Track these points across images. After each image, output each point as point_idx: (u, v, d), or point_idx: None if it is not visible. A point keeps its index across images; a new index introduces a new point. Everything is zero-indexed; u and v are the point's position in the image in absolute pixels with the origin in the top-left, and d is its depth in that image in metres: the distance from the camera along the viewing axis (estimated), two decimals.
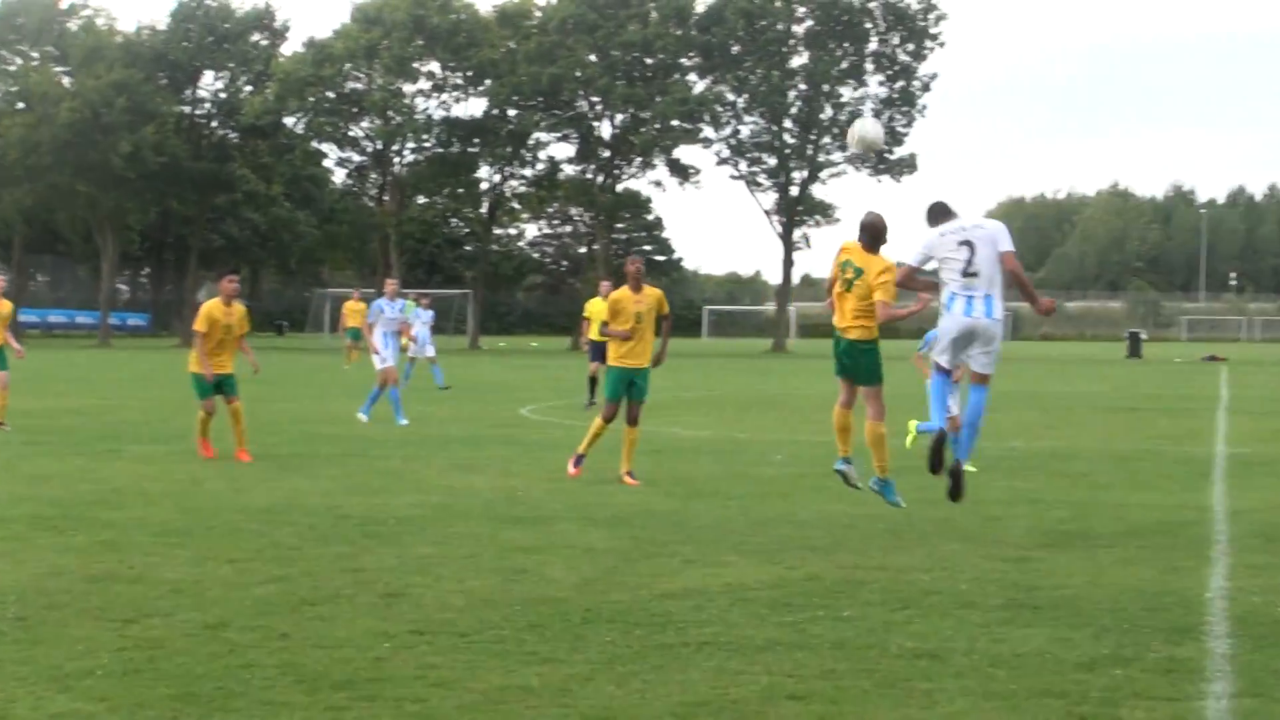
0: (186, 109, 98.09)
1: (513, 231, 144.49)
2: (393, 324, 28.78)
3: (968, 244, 13.34)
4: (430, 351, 39.85)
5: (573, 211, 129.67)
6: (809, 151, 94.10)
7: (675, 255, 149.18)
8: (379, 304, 29.06)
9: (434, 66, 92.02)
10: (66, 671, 8.60)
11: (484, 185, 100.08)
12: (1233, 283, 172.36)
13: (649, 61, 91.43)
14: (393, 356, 28.50)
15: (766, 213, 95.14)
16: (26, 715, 7.76)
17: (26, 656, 8.93)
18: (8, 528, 13.87)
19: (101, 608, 10.33)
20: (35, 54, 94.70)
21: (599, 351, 31.43)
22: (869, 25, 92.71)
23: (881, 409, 14.42)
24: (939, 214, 13.78)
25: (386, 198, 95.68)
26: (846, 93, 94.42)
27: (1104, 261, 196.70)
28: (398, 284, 29.91)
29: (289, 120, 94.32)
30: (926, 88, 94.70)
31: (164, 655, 8.99)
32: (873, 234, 14.32)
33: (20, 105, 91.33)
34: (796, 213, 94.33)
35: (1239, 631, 9.83)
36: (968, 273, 13.28)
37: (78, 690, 8.23)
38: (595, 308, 31.66)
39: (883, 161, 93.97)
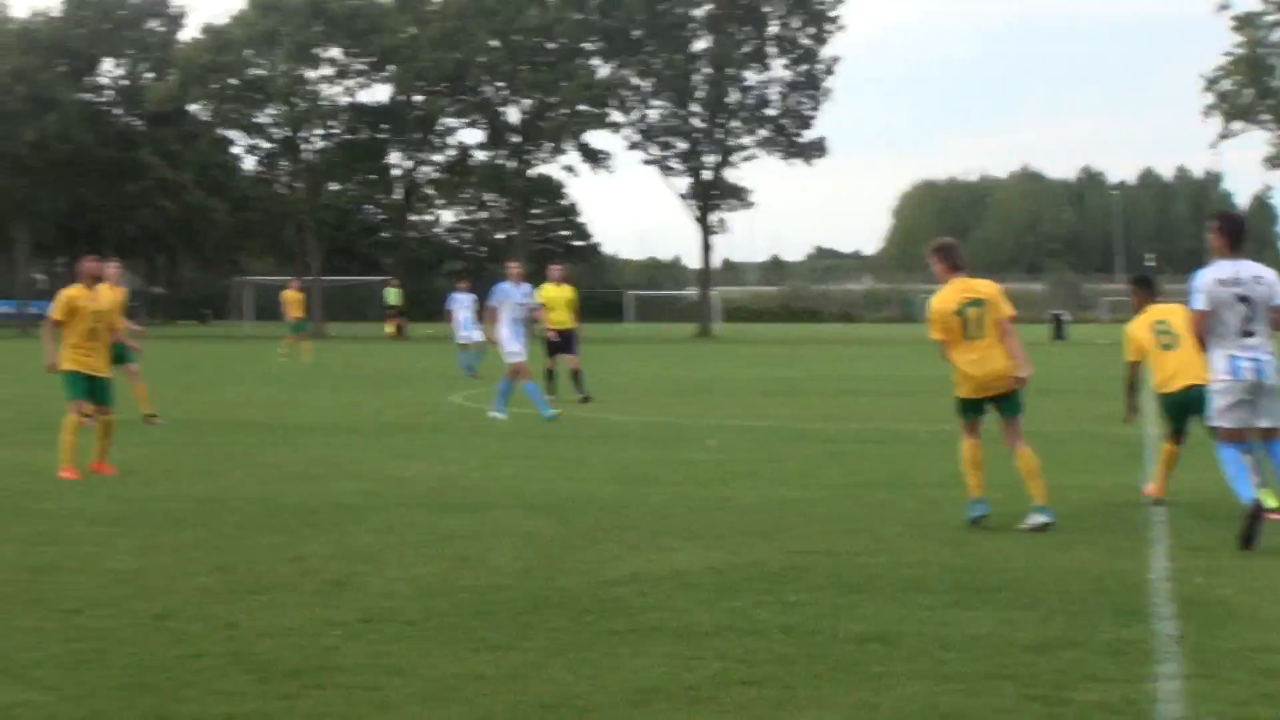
0: (88, 96, 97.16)
1: (429, 218, 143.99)
2: (520, 310, 26.16)
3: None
4: (477, 336, 38.94)
5: (487, 197, 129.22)
6: (718, 135, 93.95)
7: (593, 240, 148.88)
8: (503, 288, 26.25)
9: (336, 52, 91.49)
10: (16, 662, 8.55)
11: (396, 172, 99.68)
12: (1149, 263, 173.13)
13: (551, 46, 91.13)
14: (523, 348, 25.90)
15: (681, 197, 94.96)
16: None
17: None
18: None
19: (45, 598, 10.27)
20: None
21: (556, 346, 30.62)
22: (768, 9, 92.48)
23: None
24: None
25: (298, 184, 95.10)
26: (751, 76, 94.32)
27: (1020, 244, 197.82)
28: (520, 266, 27.16)
29: (193, 107, 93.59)
30: (830, 71, 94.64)
31: (113, 645, 8.94)
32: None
33: None
34: (711, 196, 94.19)
35: (1185, 613, 9.87)
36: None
37: (28, 680, 8.19)
38: (546, 294, 30.45)
39: (792, 145, 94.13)
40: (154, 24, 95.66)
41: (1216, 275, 12.90)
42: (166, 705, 7.74)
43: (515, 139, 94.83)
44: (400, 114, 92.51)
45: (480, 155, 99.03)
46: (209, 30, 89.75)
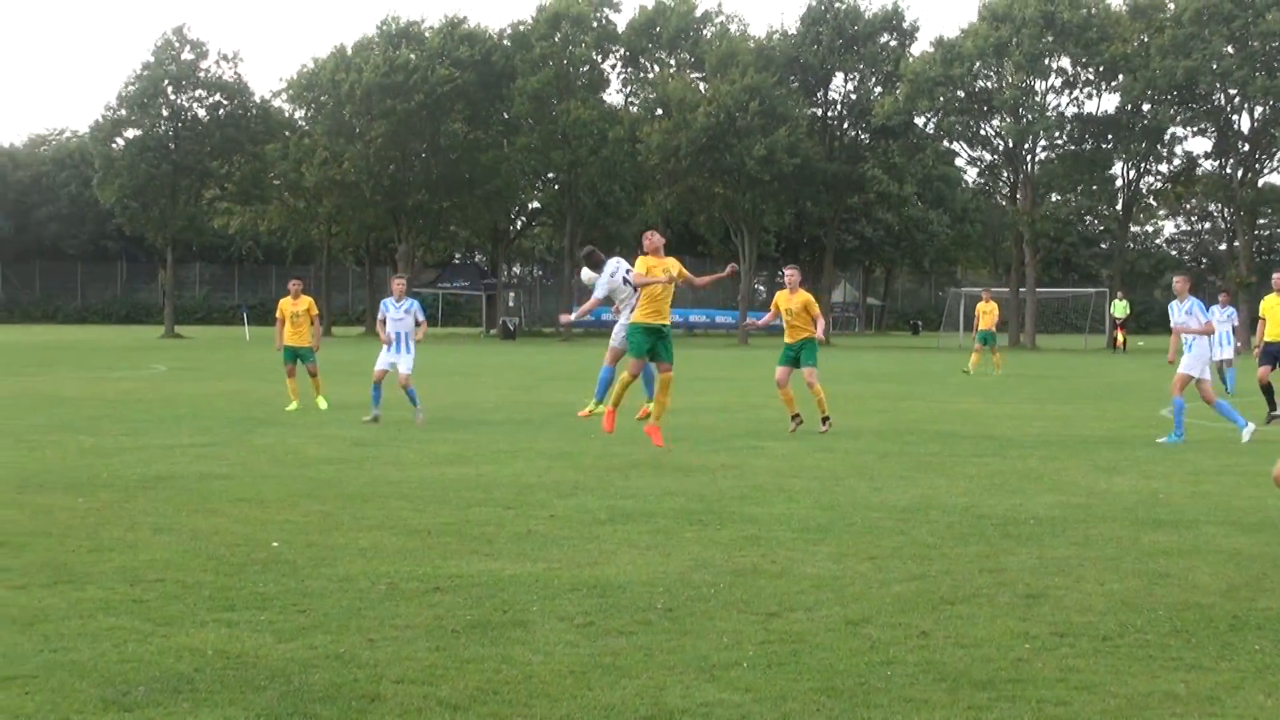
0: (818, 111, 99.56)
1: (1149, 229, 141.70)
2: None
3: None
4: (1227, 353, 36.62)
5: (1211, 208, 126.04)
6: None
7: None
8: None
9: (1064, 63, 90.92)
10: (713, 662, 8.83)
11: (1118, 182, 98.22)
12: None
13: None
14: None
15: None
16: (677, 703, 8.00)
17: (675, 646, 9.21)
18: (655, 521, 14.28)
19: (745, 601, 10.57)
20: (672, 61, 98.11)
21: (1270, 356, 29.23)
22: None
23: None
24: None
25: (1019, 196, 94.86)
26: None
27: None
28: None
29: (919, 120, 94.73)
30: None
31: (806, 649, 9.15)
32: None
33: (658, 111, 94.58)
34: None
35: None
36: None
37: (724, 680, 8.45)
38: (1268, 304, 28.95)
39: None
40: (886, 38, 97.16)
41: None
42: (856, 711, 7.89)
43: (1244, 147, 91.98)
44: (1127, 124, 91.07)
45: (1206, 165, 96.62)
46: (939, 43, 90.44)
